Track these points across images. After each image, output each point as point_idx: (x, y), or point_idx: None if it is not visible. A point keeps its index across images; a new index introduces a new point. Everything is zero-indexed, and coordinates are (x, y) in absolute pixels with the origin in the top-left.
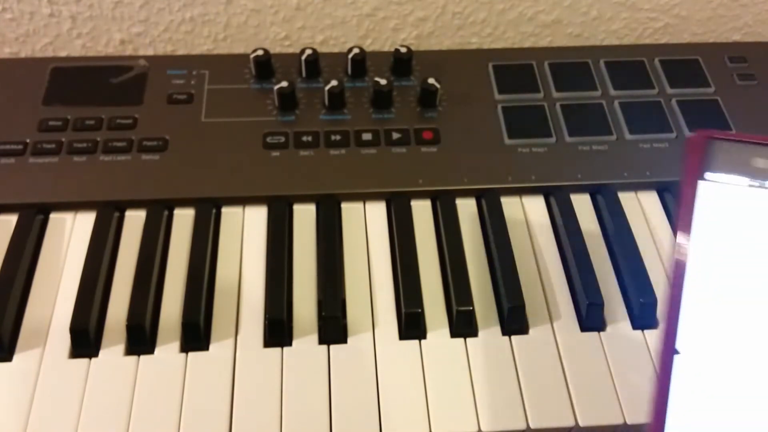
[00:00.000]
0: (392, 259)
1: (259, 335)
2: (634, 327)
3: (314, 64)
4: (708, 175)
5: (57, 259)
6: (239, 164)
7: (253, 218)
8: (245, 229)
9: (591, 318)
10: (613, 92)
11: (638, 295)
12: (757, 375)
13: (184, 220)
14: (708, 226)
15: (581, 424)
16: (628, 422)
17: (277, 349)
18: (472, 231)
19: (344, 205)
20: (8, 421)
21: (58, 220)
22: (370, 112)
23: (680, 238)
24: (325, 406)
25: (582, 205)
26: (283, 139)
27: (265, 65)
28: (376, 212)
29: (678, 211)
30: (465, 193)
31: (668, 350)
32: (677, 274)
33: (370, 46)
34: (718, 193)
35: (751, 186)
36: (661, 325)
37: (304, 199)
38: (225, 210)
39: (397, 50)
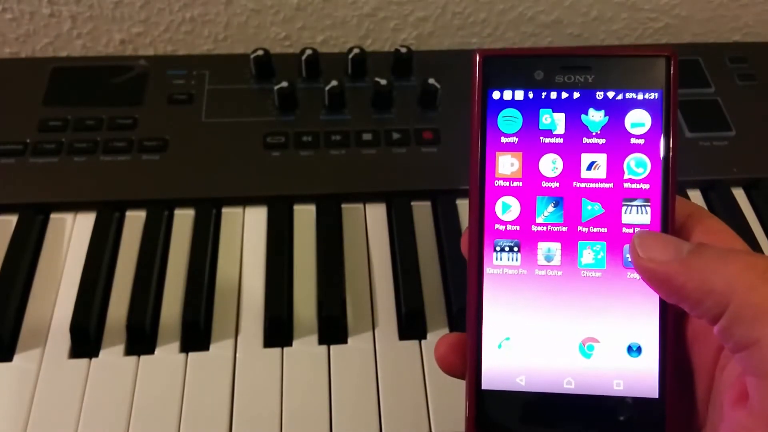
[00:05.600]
0: (392, 259)
1: (259, 335)
2: None
3: (314, 64)
4: (493, 93)
5: (57, 259)
6: (239, 164)
7: (253, 218)
8: (245, 229)
9: None
10: None
11: None
12: None
13: (184, 220)
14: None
15: None
16: None
17: (277, 349)
18: None
19: (344, 205)
20: (8, 421)
21: (58, 220)
22: (370, 112)
23: (473, 157)
24: (325, 406)
25: None
26: (283, 139)
27: (265, 65)
28: (376, 212)
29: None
30: (465, 194)
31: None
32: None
33: (370, 46)
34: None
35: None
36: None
37: (304, 199)
38: (225, 210)
39: (397, 50)
